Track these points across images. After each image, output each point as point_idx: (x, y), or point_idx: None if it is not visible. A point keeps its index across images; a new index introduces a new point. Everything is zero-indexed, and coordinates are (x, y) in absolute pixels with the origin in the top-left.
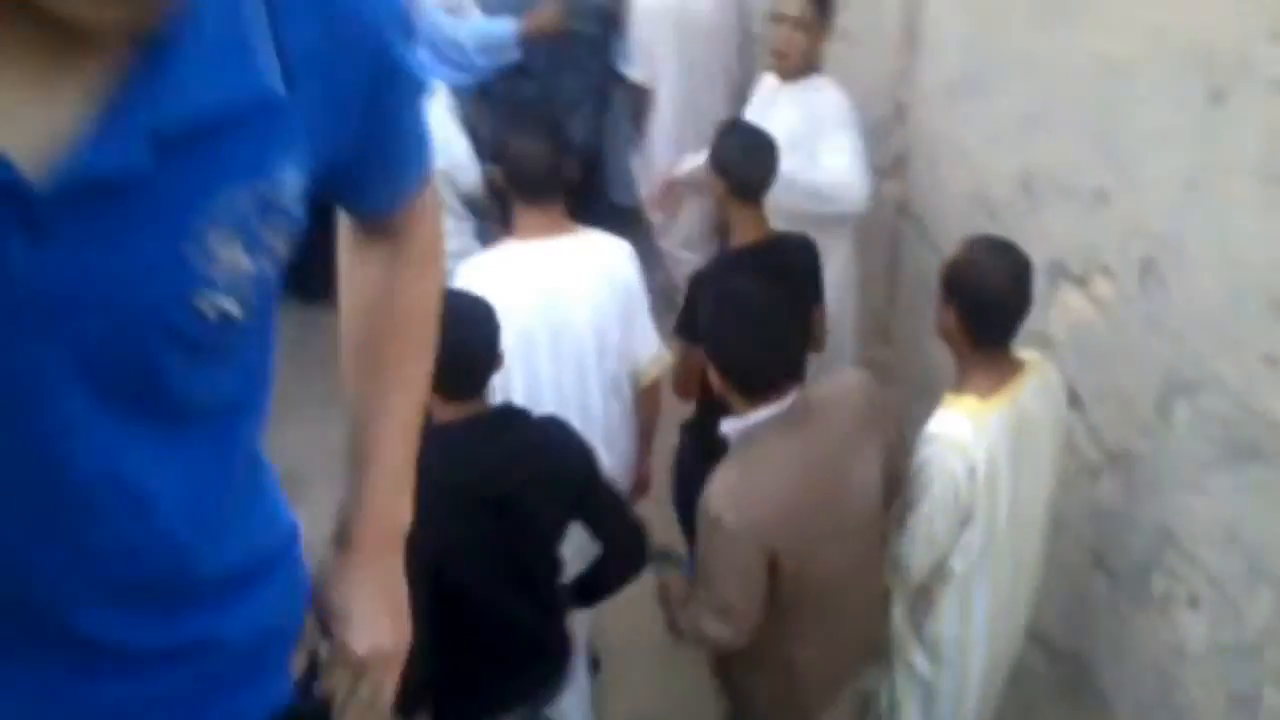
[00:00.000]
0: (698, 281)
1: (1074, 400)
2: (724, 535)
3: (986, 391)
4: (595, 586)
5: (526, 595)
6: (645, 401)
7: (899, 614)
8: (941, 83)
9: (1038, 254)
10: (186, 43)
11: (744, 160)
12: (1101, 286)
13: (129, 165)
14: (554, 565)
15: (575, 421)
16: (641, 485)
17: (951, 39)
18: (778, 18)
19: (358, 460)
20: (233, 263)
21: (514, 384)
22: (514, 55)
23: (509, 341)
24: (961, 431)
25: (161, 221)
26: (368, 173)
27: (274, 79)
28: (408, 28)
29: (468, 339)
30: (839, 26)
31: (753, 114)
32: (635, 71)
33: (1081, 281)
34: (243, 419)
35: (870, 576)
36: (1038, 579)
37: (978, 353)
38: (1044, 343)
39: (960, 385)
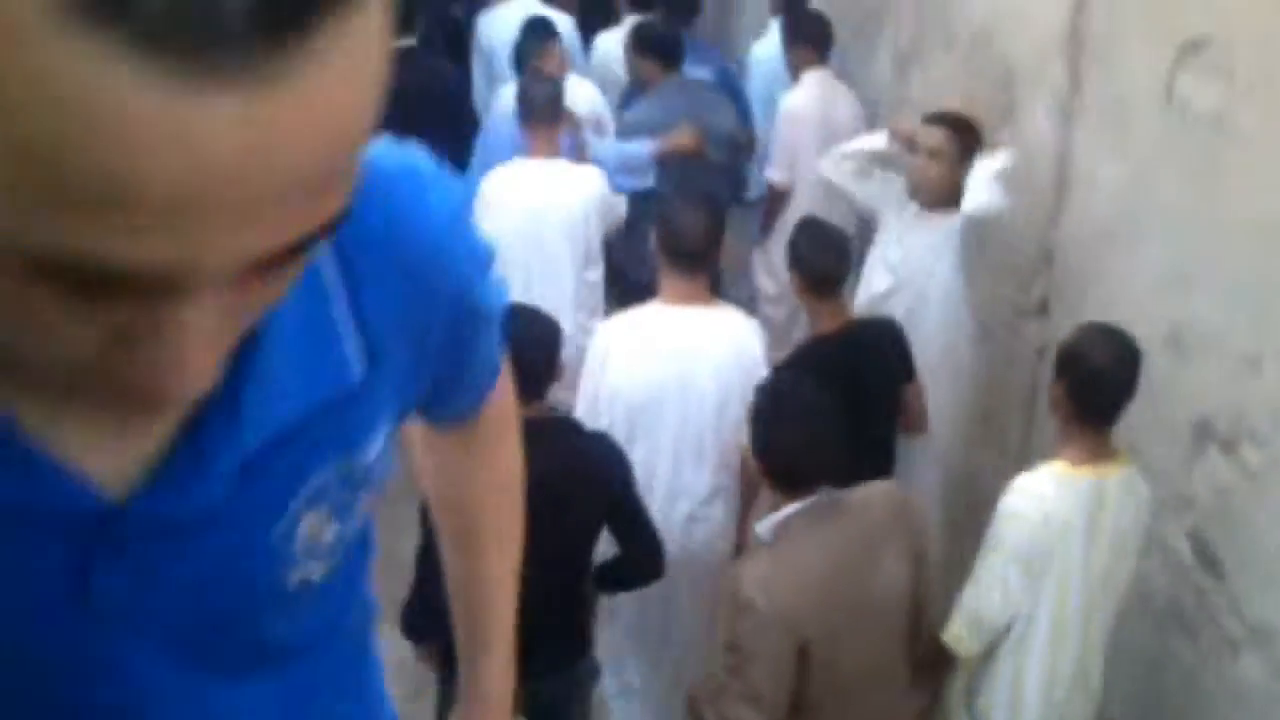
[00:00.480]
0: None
1: (1214, 568)
2: (755, 621)
3: (1077, 462)
4: (610, 578)
5: (549, 584)
6: (749, 468)
7: (956, 690)
8: (1091, 230)
9: (1183, 413)
10: (266, 356)
11: (817, 254)
12: (1250, 452)
13: (210, 498)
14: (582, 560)
15: (687, 478)
16: (740, 548)
17: (1103, 187)
18: (913, 147)
19: (466, 627)
20: (318, 534)
21: (637, 434)
22: (650, 179)
23: (639, 396)
24: (1044, 486)
25: (249, 526)
26: (442, 397)
27: (358, 364)
28: (487, 260)
29: (527, 348)
30: None
31: (885, 235)
32: (775, 173)
33: (1228, 446)
34: (338, 640)
35: (896, 674)
36: (1100, 677)
37: (1080, 427)
38: (1185, 505)
39: (1055, 453)
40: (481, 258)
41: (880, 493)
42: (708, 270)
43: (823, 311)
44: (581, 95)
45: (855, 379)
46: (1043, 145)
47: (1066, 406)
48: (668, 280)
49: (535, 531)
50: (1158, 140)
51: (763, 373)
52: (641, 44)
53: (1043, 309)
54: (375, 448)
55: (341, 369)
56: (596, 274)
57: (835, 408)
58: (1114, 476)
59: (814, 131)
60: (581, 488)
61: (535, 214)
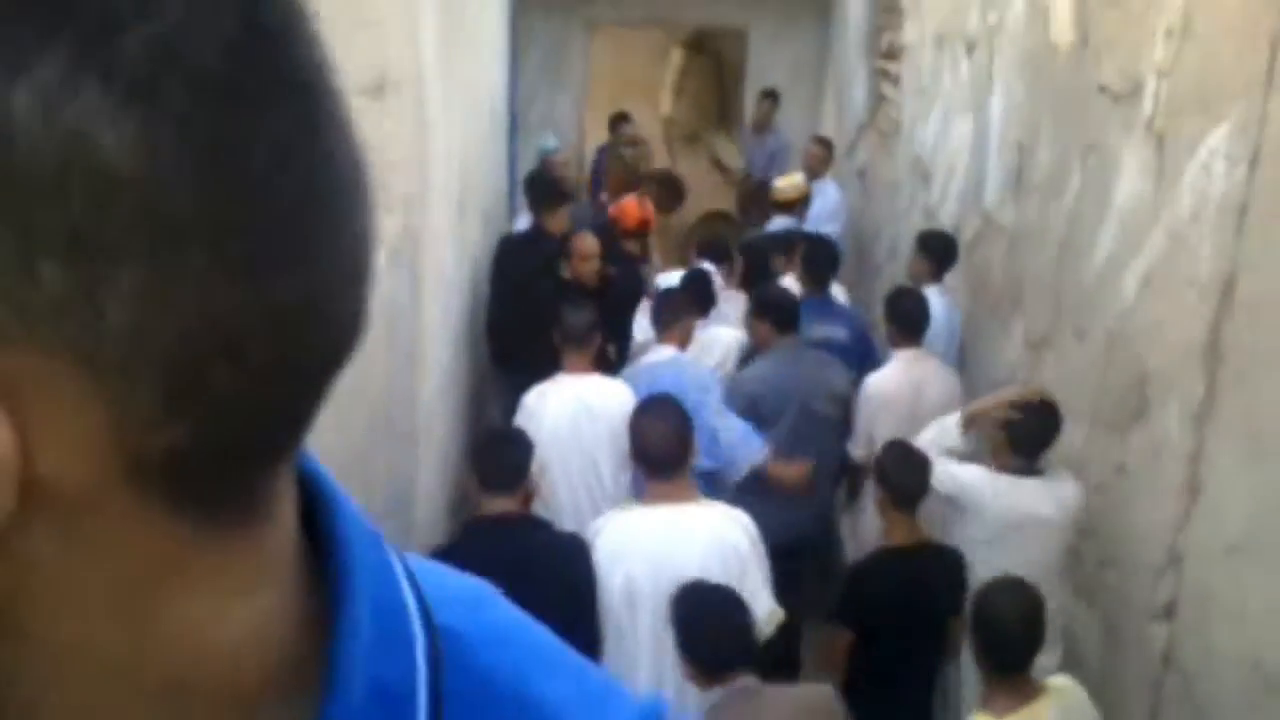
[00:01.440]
0: (853, 574)
1: None
2: None
3: (1002, 711)
4: None
5: None
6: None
7: None
8: (1222, 541)
9: None
10: None
11: (901, 472)
12: None
13: None
14: None
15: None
16: None
17: (1237, 501)
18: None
19: None
20: None
21: (626, 634)
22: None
23: (617, 598)
24: None
25: None
26: None
27: None
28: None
29: (502, 445)
30: (1114, 460)
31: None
32: (854, 449)
33: None
34: None
35: None
36: None
37: (997, 676)
38: None
39: (983, 704)
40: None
41: (811, 692)
42: (681, 471)
43: (899, 523)
44: (721, 342)
45: (912, 592)
46: (1174, 449)
47: (982, 663)
48: (648, 485)
49: None
50: None
51: (748, 557)
52: (759, 308)
53: (1169, 613)
54: None
55: None
56: (627, 477)
57: (739, 602)
58: (1045, 709)
59: (897, 411)
60: (548, 577)
61: (575, 420)
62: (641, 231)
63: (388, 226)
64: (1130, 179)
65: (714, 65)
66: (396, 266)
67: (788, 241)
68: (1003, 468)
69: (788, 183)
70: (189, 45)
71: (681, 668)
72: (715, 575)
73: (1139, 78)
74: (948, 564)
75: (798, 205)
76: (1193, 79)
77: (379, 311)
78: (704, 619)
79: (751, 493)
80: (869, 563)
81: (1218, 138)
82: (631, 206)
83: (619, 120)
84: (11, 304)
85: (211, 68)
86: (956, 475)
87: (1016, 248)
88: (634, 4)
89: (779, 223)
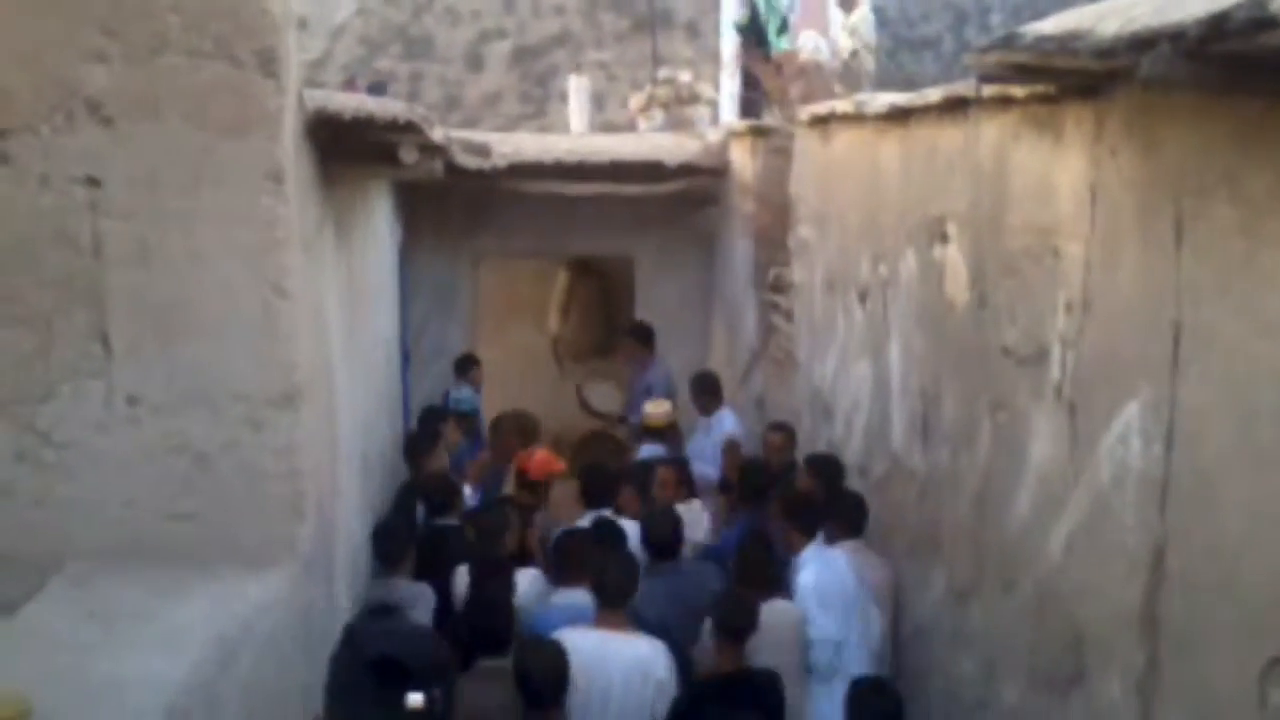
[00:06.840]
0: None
1: None
2: None
3: None
4: None
5: None
6: None
7: None
8: None
9: None
10: None
11: (728, 608)
12: None
13: None
14: None
15: None
16: None
17: None
18: None
19: None
20: None
21: None
22: None
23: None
24: None
25: None
26: None
27: None
28: None
29: (538, 669)
30: None
31: None
32: None
33: None
34: None
35: None
36: None
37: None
38: None
39: None
40: None
41: None
42: (624, 603)
43: (725, 652)
44: None
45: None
46: (1121, 717)
47: None
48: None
49: None
50: None
51: (668, 690)
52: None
53: None
54: None
55: None
56: None
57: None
58: None
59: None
60: None
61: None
62: (545, 482)
63: (301, 535)
64: (1044, 441)
65: (600, 284)
66: (311, 574)
67: (644, 470)
68: None
69: (657, 408)
70: None
71: None
72: (642, 702)
73: (1043, 344)
74: (762, 688)
75: (668, 432)
76: (1099, 352)
77: (295, 631)
78: None
79: None
80: (693, 689)
81: (1130, 413)
82: (542, 459)
83: (467, 363)
84: None
85: None
86: None
87: (929, 494)
88: (519, 236)
89: (648, 449)
